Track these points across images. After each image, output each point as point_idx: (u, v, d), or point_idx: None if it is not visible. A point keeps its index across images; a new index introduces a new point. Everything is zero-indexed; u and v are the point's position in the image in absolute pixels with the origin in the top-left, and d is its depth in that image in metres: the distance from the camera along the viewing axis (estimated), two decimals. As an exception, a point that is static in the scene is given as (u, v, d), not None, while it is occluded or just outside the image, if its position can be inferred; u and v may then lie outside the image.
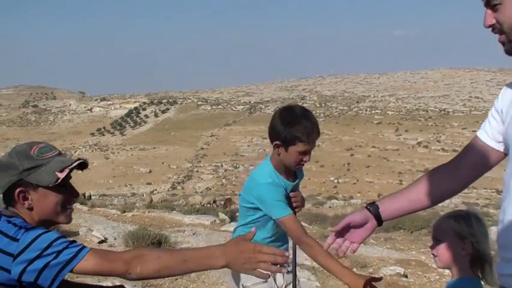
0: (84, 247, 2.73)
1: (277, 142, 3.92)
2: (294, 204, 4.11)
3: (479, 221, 3.38)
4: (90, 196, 26.36)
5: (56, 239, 2.69)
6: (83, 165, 3.03)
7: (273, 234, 4.14)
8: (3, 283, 2.73)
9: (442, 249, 3.42)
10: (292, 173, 4.15)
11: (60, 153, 3.03)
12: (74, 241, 2.77)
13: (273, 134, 3.95)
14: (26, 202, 2.89)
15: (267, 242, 4.04)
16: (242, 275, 4.06)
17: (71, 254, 2.66)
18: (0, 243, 2.71)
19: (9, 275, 2.68)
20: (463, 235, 3.33)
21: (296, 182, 4.17)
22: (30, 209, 2.90)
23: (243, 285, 4.04)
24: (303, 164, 4.00)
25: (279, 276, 4.06)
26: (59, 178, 2.86)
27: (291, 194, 4.09)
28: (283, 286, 4.12)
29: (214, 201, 33.42)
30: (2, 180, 2.90)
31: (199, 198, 39.04)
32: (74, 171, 3.01)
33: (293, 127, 3.83)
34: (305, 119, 3.88)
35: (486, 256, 3.33)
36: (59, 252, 2.66)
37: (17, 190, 2.86)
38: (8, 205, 2.94)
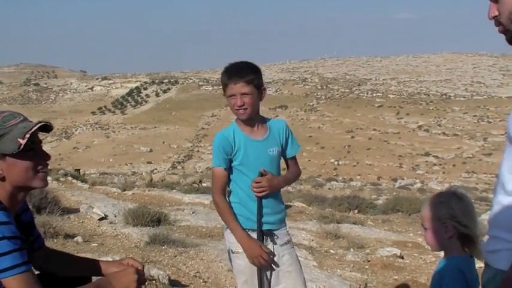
0: (20, 265, 2.75)
1: (224, 93, 4.20)
2: (256, 190, 4.13)
3: (459, 200, 3.45)
4: (84, 174, 26.32)
5: (1, 239, 2.72)
6: (46, 127, 3.04)
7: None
8: None
9: (429, 236, 3.54)
10: (262, 129, 4.26)
11: (24, 119, 3.03)
12: (20, 249, 2.79)
13: None
14: None
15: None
16: (228, 242, 4.25)
17: (4, 265, 2.71)
18: None
19: None
20: (442, 219, 3.42)
21: (264, 139, 4.24)
22: (2, 179, 2.94)
23: (231, 250, 4.19)
24: (241, 110, 4.09)
25: (269, 247, 4.18)
26: (21, 144, 2.89)
27: (255, 179, 4.13)
28: (274, 258, 4.20)
29: (200, 181, 33.25)
30: None
31: (177, 178, 38.88)
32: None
33: (222, 75, 4.16)
34: (232, 65, 4.17)
35: (471, 233, 3.40)
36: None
37: None
38: None
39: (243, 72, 4.09)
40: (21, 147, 2.90)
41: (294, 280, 4.23)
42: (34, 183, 3.05)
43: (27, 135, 2.92)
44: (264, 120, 4.30)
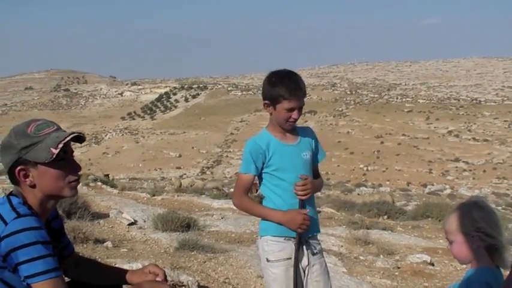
0: (52, 270, 2.78)
1: (265, 102, 4.18)
2: (301, 193, 4.11)
3: (481, 209, 3.41)
4: (113, 179, 26.51)
5: (35, 243, 2.75)
6: (79, 138, 3.07)
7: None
8: None
9: (455, 249, 3.49)
10: (293, 135, 4.28)
11: (58, 129, 3.06)
12: (52, 255, 2.82)
13: (262, 95, 4.20)
14: (27, 180, 2.96)
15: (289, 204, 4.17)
16: (263, 251, 4.21)
17: (37, 270, 2.74)
18: None
19: None
20: (467, 231, 3.37)
21: (297, 144, 4.26)
22: (33, 186, 2.97)
23: (267, 258, 4.16)
24: (293, 122, 4.14)
25: (304, 256, 4.17)
26: (53, 154, 2.91)
27: (298, 183, 4.12)
28: (306, 267, 4.19)
29: (223, 186, 33.10)
30: (4, 160, 2.97)
31: (201, 183, 38.70)
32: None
33: (277, 86, 4.07)
34: (288, 78, 4.13)
35: (497, 242, 3.36)
36: (33, 259, 2.73)
37: (17, 168, 2.94)
38: (14, 184, 3.03)
39: (302, 86, 4.15)
40: (54, 156, 2.93)
41: None
42: (64, 193, 3.07)
43: (60, 145, 2.95)
44: (294, 128, 4.30)
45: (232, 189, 32.27)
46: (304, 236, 4.17)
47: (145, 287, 3.24)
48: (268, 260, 4.17)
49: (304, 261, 4.17)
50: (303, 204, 4.13)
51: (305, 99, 4.16)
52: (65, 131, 3.09)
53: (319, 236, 4.43)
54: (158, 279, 3.31)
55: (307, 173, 4.20)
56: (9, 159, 2.95)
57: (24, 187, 2.99)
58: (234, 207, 14.77)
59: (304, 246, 4.17)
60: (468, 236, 3.37)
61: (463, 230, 3.38)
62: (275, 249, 4.13)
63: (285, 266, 4.11)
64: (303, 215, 4.05)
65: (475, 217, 3.36)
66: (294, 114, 4.09)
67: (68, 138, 2.99)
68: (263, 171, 4.19)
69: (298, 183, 4.10)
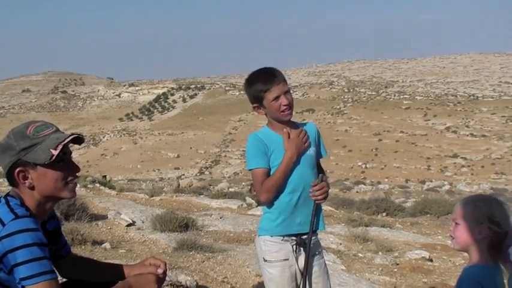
0: (47, 273, 2.79)
1: (254, 105, 4.18)
2: (320, 197, 4.07)
3: (500, 205, 3.37)
4: (110, 180, 26.50)
5: (31, 245, 2.76)
6: (78, 139, 3.07)
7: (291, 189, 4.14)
8: None
9: (459, 232, 3.44)
10: (294, 131, 4.19)
11: (57, 130, 3.07)
12: (46, 257, 2.82)
13: (249, 100, 4.22)
14: (26, 181, 2.97)
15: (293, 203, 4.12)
16: (260, 250, 4.20)
17: (33, 272, 2.74)
18: None
19: None
20: (479, 219, 3.34)
21: None
22: (32, 188, 2.98)
23: (264, 258, 4.14)
24: (286, 109, 4.07)
25: (301, 257, 4.14)
26: (53, 155, 2.92)
27: (315, 183, 4.07)
28: (304, 269, 4.13)
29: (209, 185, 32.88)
30: (3, 162, 2.98)
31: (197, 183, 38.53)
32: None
33: (253, 85, 4.11)
34: (259, 72, 4.17)
35: (504, 241, 3.32)
36: (29, 261, 2.74)
37: (16, 170, 2.95)
38: (12, 186, 3.03)
39: (277, 73, 4.12)
40: (53, 157, 2.94)
41: None
42: (63, 194, 3.09)
43: (60, 146, 2.96)
44: (294, 124, 4.25)
45: (232, 189, 32.26)
46: (301, 233, 4.13)
47: (131, 279, 3.23)
48: (265, 260, 4.15)
49: (301, 263, 4.12)
50: (317, 207, 4.11)
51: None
52: (63, 133, 3.10)
53: (319, 236, 4.38)
54: (160, 270, 3.32)
55: (312, 169, 4.16)
56: (8, 160, 2.96)
57: (23, 189, 3.00)
58: (233, 207, 14.77)
59: (302, 248, 4.12)
60: (477, 224, 3.33)
61: (477, 217, 3.34)
62: (272, 250, 4.11)
63: (281, 267, 4.09)
64: (299, 137, 4.08)
65: (493, 208, 3.33)
66: (283, 101, 4.03)
67: (67, 140, 3.00)
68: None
69: (315, 183, 4.05)
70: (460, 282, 3.39)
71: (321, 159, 4.41)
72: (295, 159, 4.05)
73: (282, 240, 4.09)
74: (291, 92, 4.18)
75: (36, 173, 2.97)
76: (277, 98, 4.03)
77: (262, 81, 4.08)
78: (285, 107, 4.04)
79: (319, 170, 4.30)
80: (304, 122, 4.44)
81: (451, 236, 3.53)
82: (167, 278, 6.18)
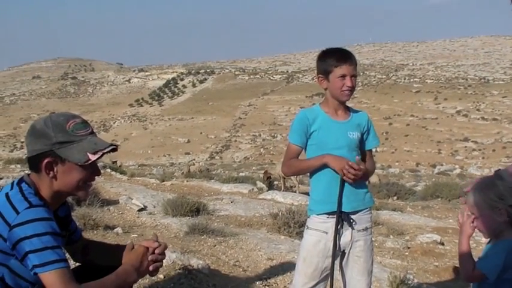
0: (60, 261, 2.79)
1: (319, 76, 4.28)
2: (350, 177, 4.07)
3: (503, 180, 3.38)
4: (120, 166, 26.60)
5: (45, 234, 2.77)
6: (113, 150, 3.09)
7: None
8: (2, 250, 2.83)
9: (480, 224, 3.45)
10: (345, 114, 4.32)
11: (92, 132, 3.08)
12: (59, 246, 2.84)
13: (316, 71, 4.33)
14: (51, 172, 2.97)
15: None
16: (308, 222, 4.31)
17: (46, 259, 2.75)
18: (4, 208, 2.84)
19: (5, 244, 2.80)
20: (492, 204, 3.34)
21: (346, 122, 4.28)
22: (53, 179, 2.99)
23: (307, 226, 4.27)
24: (348, 90, 4.19)
25: (346, 233, 4.20)
26: (89, 159, 2.95)
27: (352, 164, 4.07)
28: (349, 243, 4.22)
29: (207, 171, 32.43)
30: (32, 146, 2.97)
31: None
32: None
33: (327, 58, 4.23)
34: (336, 50, 4.32)
35: None
36: (42, 249, 2.75)
37: (46, 160, 2.95)
38: (32, 170, 3.03)
39: (352, 56, 4.27)
40: (89, 162, 2.97)
41: (359, 266, 4.25)
42: (79, 193, 3.12)
43: (99, 153, 2.99)
44: (348, 108, 4.37)
45: (242, 173, 32.30)
46: (347, 211, 4.18)
47: (124, 254, 3.23)
48: (307, 227, 4.27)
49: (346, 237, 4.19)
50: (343, 183, 4.13)
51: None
52: (99, 137, 3.13)
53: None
54: (155, 244, 3.29)
55: (352, 152, 4.21)
56: (40, 147, 2.96)
57: (44, 177, 3.01)
58: (243, 191, 14.79)
59: (346, 223, 4.17)
60: (495, 209, 3.33)
61: (489, 203, 3.35)
62: (316, 221, 4.19)
63: (317, 237, 4.17)
64: (348, 161, 4.07)
65: (500, 189, 3.33)
66: (347, 82, 4.15)
67: (107, 150, 3.03)
68: (307, 143, 4.24)
69: (353, 164, 4.06)
70: (487, 253, 3.41)
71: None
72: (327, 161, 4.13)
73: (328, 217, 4.16)
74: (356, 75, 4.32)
75: (64, 168, 2.98)
76: (343, 76, 4.16)
77: (336, 57, 4.21)
78: (347, 88, 4.17)
79: (364, 159, 4.36)
80: (359, 110, 4.53)
81: (478, 230, 3.52)
82: (179, 262, 6.20)
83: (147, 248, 3.22)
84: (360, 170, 4.05)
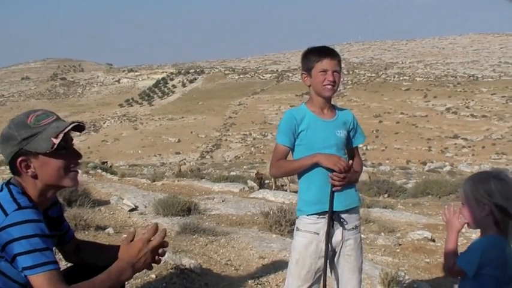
0: (50, 263, 2.79)
1: (303, 72, 4.32)
2: (337, 183, 4.10)
3: (500, 180, 3.38)
4: (111, 166, 26.49)
5: (34, 236, 2.77)
6: (79, 127, 3.07)
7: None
8: None
9: (466, 213, 3.51)
10: (330, 112, 4.32)
11: (57, 119, 3.07)
12: (48, 248, 2.83)
13: (301, 69, 4.36)
14: (29, 170, 2.97)
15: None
16: (298, 224, 4.29)
17: (35, 262, 2.75)
18: None
19: None
20: (478, 197, 3.38)
21: (332, 121, 4.28)
22: (34, 176, 2.98)
23: (297, 227, 4.26)
24: (329, 85, 4.19)
25: (337, 232, 4.21)
26: (54, 144, 2.93)
27: (336, 174, 4.11)
28: (340, 242, 4.23)
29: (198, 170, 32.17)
30: (5, 152, 2.98)
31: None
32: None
33: (309, 55, 4.28)
34: (319, 46, 4.34)
35: (509, 215, 3.35)
36: (31, 251, 2.75)
37: (19, 159, 2.95)
38: (14, 175, 3.03)
39: (334, 52, 4.30)
40: (55, 146, 2.94)
41: (350, 264, 4.26)
42: (65, 182, 3.09)
43: (61, 135, 2.96)
44: (333, 107, 4.37)
45: (233, 173, 32.27)
46: (337, 211, 4.18)
47: (122, 247, 3.22)
48: (297, 229, 4.26)
49: (337, 237, 4.20)
50: (332, 191, 4.14)
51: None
52: (64, 121, 3.10)
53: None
54: (156, 236, 3.24)
55: (339, 151, 4.22)
56: (10, 150, 2.96)
57: (26, 177, 3.00)
58: (234, 190, 14.78)
59: (337, 222, 4.18)
60: (479, 203, 3.37)
61: (475, 195, 3.39)
62: (306, 222, 4.18)
63: (308, 239, 4.17)
64: (340, 157, 4.10)
65: (491, 187, 3.35)
66: (329, 76, 4.16)
67: (68, 128, 2.99)
68: (295, 143, 4.24)
69: (335, 174, 4.08)
70: (467, 248, 3.44)
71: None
72: (319, 160, 4.13)
73: (318, 218, 4.16)
74: (340, 71, 4.33)
75: (38, 162, 2.97)
76: (324, 71, 4.18)
77: (318, 53, 4.25)
78: (328, 82, 4.18)
79: (351, 157, 4.35)
80: (344, 108, 4.53)
81: (463, 216, 3.58)
82: (171, 262, 6.20)
83: (146, 242, 3.18)
84: (349, 167, 4.07)
